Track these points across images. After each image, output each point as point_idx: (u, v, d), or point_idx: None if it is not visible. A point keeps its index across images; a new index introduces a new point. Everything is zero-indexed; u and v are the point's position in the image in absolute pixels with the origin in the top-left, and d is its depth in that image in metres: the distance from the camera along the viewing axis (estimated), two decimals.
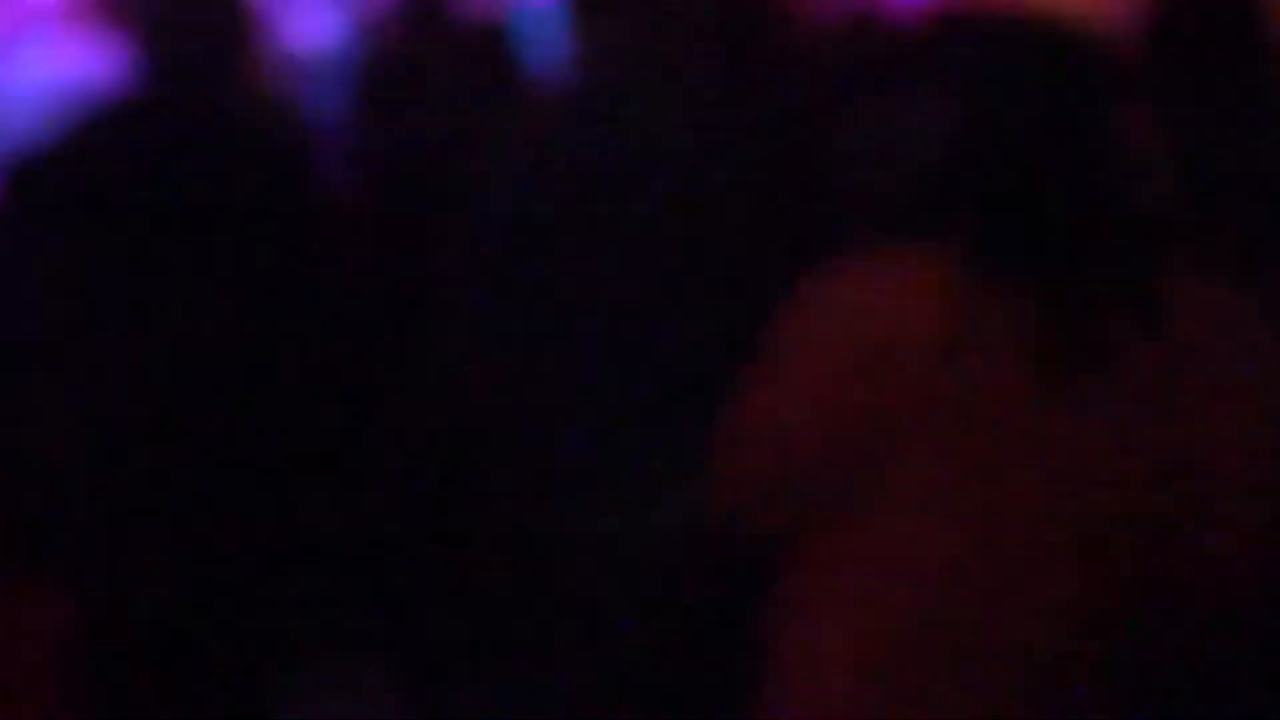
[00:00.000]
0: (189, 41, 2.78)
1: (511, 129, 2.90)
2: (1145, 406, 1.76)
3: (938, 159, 1.82)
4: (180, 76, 2.77)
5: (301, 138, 3.10)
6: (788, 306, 1.81)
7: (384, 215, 3.53)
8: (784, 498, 1.85)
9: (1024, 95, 1.78)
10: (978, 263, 1.74)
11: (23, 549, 1.93)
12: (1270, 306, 1.82)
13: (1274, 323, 2.03)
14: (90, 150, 2.72)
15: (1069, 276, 1.75)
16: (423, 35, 3.64)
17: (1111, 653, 1.83)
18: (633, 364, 2.70)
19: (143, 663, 2.70)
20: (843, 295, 1.78)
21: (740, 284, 2.57)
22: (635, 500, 2.70)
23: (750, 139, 2.88)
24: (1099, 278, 1.76)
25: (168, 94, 2.75)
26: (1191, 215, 2.10)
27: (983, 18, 1.85)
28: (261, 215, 2.77)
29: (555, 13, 3.42)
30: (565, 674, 2.83)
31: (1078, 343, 1.73)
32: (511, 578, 2.80)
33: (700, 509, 2.01)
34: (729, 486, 1.90)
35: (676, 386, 2.68)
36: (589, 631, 2.77)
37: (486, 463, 2.83)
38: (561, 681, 2.83)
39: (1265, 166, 2.24)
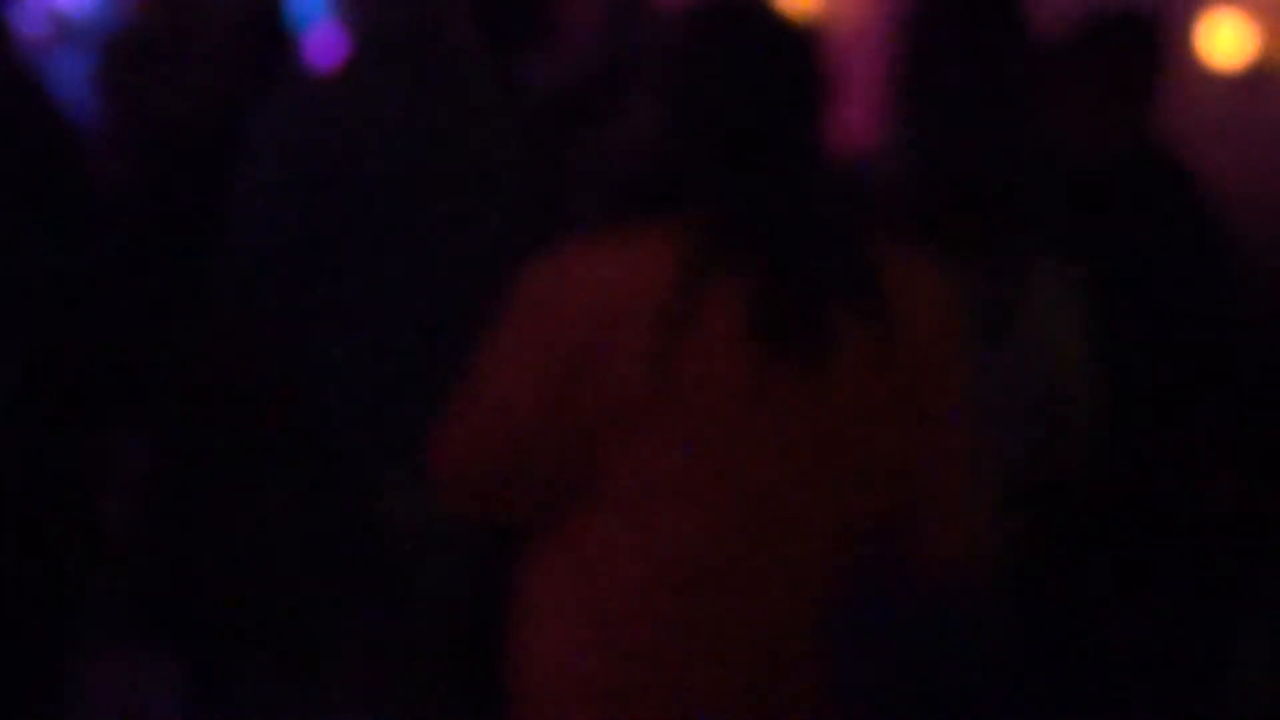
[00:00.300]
0: None
1: (279, 105, 2.84)
2: (864, 383, 1.78)
3: (659, 144, 1.81)
4: None
5: (52, 108, 3.01)
6: (516, 286, 1.79)
7: (145, 190, 3.44)
8: (512, 477, 1.82)
9: (739, 82, 1.78)
10: (703, 243, 1.73)
11: None
12: (998, 285, 1.87)
13: (995, 301, 2.10)
14: None
15: (791, 256, 1.76)
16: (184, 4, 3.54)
17: (836, 628, 1.87)
18: (399, 343, 2.68)
19: None
20: (567, 273, 1.76)
21: (495, 265, 2.55)
22: (409, 482, 2.67)
23: (509, 126, 2.87)
24: (820, 258, 1.77)
25: None
26: (917, 197, 2.14)
27: (712, 8, 1.85)
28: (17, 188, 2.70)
29: None
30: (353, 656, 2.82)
31: (799, 322, 1.74)
32: (297, 564, 2.76)
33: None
34: (456, 468, 1.87)
35: (439, 364, 2.66)
36: (375, 612, 2.75)
37: (265, 448, 2.78)
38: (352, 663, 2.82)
39: (999, 153, 2.30)
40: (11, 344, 2.66)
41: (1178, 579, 2.97)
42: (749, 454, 1.76)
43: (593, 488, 1.78)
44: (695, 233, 1.74)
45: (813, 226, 1.79)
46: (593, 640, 1.82)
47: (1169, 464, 2.95)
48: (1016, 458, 2.00)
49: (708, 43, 1.81)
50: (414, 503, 2.62)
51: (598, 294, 1.73)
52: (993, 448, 1.96)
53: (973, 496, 1.91)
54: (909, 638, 2.26)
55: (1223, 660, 3.07)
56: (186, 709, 3.36)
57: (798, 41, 1.82)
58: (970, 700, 2.37)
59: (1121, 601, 2.89)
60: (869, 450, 1.81)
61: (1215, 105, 4.57)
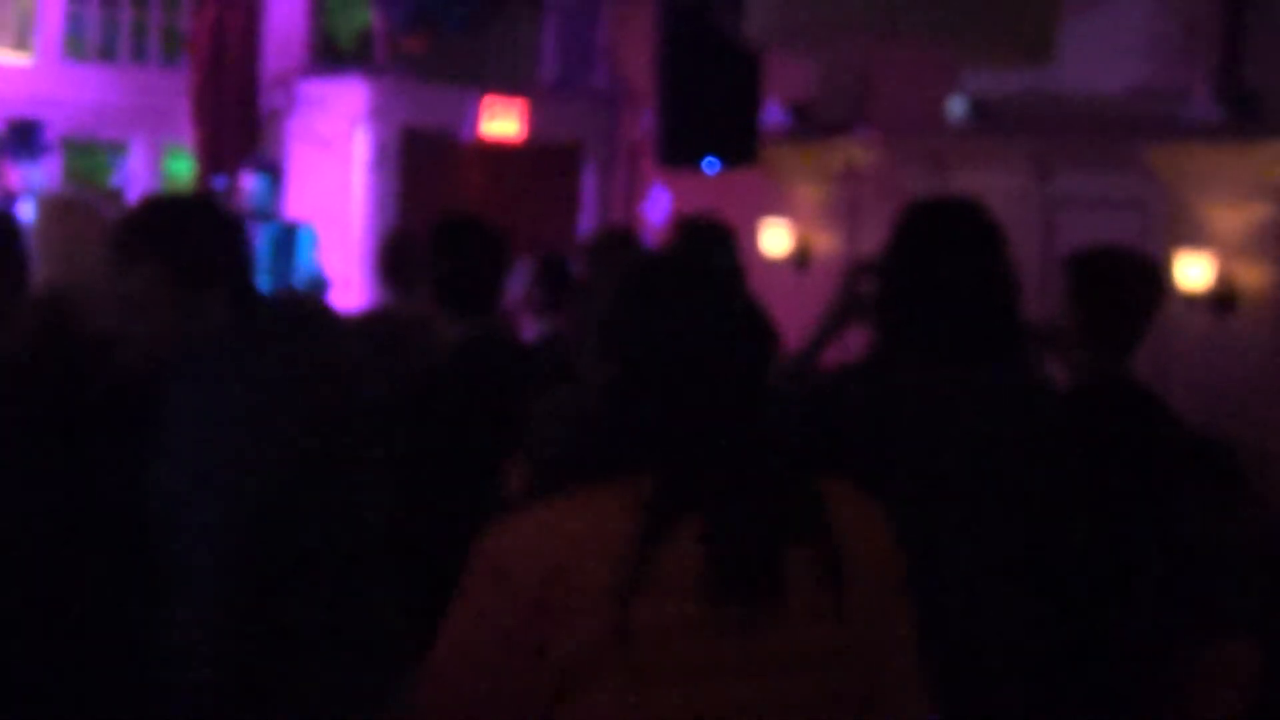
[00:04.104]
0: None
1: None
2: (817, 620, 1.88)
3: (603, 409, 1.92)
4: None
5: None
6: (479, 547, 1.89)
7: None
8: None
9: (676, 338, 1.88)
10: (656, 499, 1.83)
11: None
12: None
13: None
14: None
15: (741, 506, 1.86)
16: None
17: None
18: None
19: None
20: (526, 535, 1.86)
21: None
22: None
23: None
24: (769, 503, 1.87)
25: None
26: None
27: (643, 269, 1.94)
28: None
29: None
30: None
31: (753, 567, 1.84)
32: None
33: None
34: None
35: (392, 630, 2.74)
36: None
37: None
38: None
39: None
40: None
41: None
42: (706, 695, 1.83)
43: None
44: (647, 489, 1.84)
45: (760, 473, 1.88)
46: None
47: None
48: None
49: (641, 302, 1.91)
50: None
51: (556, 553, 1.82)
52: None
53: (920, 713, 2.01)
54: None
55: None
56: None
57: (728, 292, 1.92)
58: None
59: None
60: (823, 684, 1.89)
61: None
